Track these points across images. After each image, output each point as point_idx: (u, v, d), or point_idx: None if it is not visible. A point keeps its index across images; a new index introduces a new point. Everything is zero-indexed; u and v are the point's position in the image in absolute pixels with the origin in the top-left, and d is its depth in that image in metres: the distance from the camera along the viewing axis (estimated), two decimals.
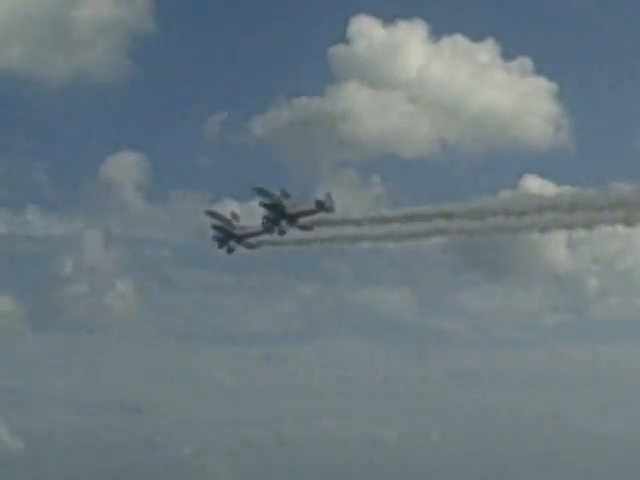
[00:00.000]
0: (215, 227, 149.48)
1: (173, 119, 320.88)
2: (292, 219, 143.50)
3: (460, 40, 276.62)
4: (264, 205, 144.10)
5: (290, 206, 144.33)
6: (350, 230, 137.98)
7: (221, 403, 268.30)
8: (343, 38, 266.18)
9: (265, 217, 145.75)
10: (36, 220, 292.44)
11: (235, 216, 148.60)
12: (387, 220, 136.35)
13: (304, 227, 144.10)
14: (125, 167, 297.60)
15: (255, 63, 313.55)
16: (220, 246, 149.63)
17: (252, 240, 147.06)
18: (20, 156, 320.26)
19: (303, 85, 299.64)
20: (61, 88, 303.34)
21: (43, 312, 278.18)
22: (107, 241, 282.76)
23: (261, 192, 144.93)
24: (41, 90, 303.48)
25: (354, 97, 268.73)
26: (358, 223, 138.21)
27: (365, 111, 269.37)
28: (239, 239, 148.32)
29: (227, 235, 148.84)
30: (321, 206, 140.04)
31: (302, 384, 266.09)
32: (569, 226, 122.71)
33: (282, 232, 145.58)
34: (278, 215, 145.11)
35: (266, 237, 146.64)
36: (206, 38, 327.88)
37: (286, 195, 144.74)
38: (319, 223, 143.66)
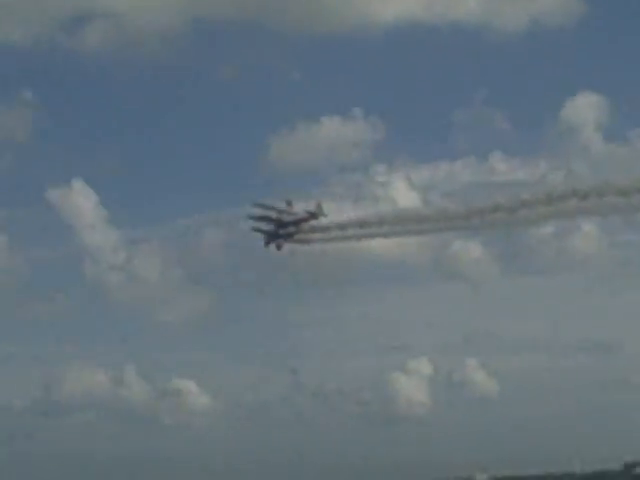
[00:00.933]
0: (262, 218, 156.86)
1: (629, 57, 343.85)
2: (294, 225, 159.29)
3: None
4: (261, 218, 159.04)
5: (287, 215, 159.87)
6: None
7: None
8: None
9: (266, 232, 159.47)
10: (500, 166, 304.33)
11: (289, 203, 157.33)
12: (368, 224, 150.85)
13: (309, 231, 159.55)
14: (584, 108, 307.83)
15: None
16: (267, 243, 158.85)
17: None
18: (481, 105, 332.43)
19: None
20: (517, 35, 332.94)
21: (510, 256, 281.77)
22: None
23: (261, 206, 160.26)
24: (498, 39, 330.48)
25: None
26: (343, 227, 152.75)
27: None
28: (289, 228, 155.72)
29: (272, 232, 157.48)
30: (312, 215, 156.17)
31: None
32: None
33: (290, 235, 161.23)
34: (278, 224, 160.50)
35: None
36: None
37: (289, 203, 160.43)
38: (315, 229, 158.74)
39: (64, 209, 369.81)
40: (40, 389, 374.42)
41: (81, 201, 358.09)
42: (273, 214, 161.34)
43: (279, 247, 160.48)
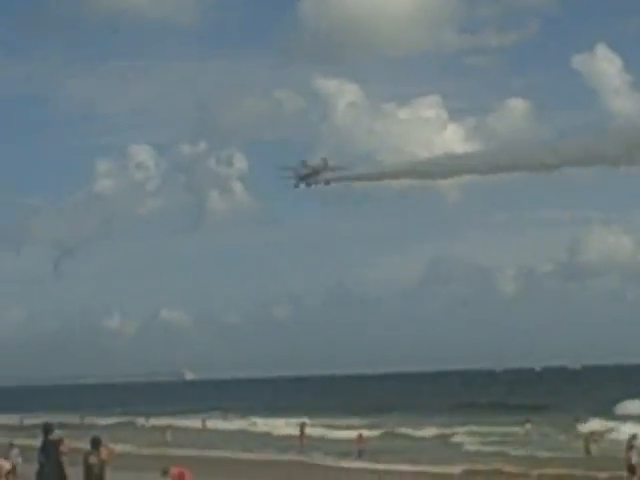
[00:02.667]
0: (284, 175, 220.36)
1: None
2: (308, 177, 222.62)
3: None
4: (284, 176, 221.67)
5: (303, 169, 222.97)
6: None
7: None
8: None
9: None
10: None
11: (304, 162, 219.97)
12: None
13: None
14: None
15: None
16: (296, 185, 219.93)
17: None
18: None
19: None
20: None
21: None
22: None
23: (281, 167, 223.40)
24: None
25: None
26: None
27: None
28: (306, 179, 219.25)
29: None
30: (316, 170, 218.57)
31: None
32: None
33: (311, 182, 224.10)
34: (298, 177, 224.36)
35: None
36: None
37: (304, 163, 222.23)
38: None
39: (588, 75, 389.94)
40: (565, 253, 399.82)
41: (605, 66, 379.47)
42: (291, 171, 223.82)
43: (309, 185, 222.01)
